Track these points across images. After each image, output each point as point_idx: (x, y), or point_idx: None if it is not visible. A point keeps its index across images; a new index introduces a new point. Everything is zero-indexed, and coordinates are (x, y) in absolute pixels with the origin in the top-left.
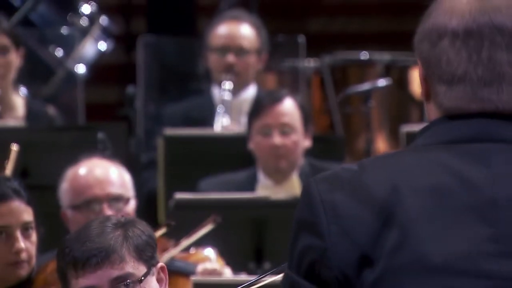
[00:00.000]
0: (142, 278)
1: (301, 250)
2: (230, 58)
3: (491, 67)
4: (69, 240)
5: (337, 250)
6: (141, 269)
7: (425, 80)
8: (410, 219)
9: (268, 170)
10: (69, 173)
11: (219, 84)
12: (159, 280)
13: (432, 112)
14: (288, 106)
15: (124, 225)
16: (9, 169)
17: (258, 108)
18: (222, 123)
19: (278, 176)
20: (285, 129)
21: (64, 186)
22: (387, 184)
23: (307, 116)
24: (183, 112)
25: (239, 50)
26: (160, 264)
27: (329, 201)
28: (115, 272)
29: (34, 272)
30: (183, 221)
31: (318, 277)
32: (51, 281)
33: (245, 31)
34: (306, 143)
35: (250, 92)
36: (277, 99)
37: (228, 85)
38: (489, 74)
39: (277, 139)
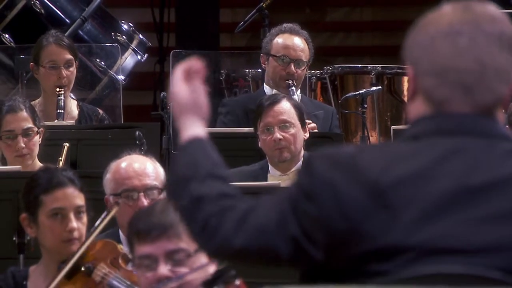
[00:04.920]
0: (193, 253)
1: (298, 210)
2: (292, 68)
3: (476, 61)
4: (138, 213)
5: (329, 220)
6: (194, 246)
7: (414, 79)
8: (400, 201)
9: (275, 162)
10: (112, 166)
11: (275, 84)
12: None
13: (418, 107)
14: (285, 105)
15: None
16: (61, 164)
17: (260, 111)
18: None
19: (284, 166)
20: (283, 125)
21: (108, 177)
22: (380, 168)
23: (302, 113)
24: (242, 103)
25: (298, 62)
26: None
27: (328, 178)
28: (171, 246)
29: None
30: None
31: (309, 233)
32: (98, 257)
33: (302, 45)
34: (304, 135)
35: (297, 96)
36: (275, 101)
37: (295, 91)
38: (474, 67)
39: (277, 134)
